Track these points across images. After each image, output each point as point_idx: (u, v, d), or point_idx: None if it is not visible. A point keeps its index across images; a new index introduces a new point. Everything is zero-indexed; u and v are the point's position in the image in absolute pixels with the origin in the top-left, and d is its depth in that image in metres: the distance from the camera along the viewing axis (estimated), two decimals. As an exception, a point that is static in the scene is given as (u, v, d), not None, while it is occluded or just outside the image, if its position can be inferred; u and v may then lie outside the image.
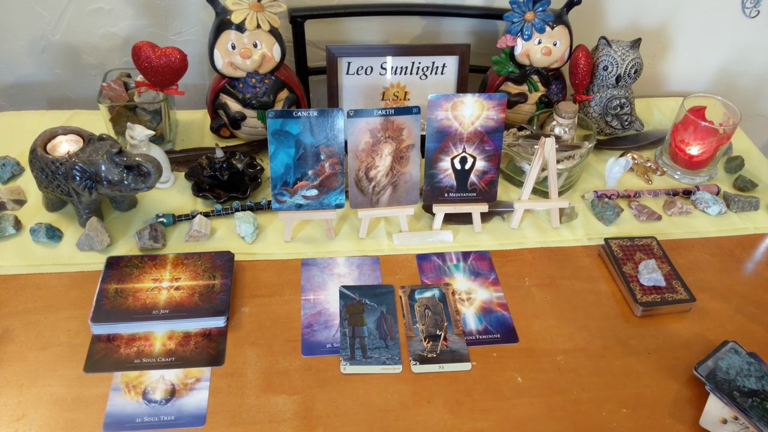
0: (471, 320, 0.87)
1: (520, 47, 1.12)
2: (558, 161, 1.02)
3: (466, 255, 0.97)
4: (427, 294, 0.90)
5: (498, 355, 0.83)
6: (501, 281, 0.93)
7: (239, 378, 0.78)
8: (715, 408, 0.77)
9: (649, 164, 1.14)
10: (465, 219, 1.01)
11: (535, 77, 1.15)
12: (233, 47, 1.02)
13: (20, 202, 0.98)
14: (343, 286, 0.90)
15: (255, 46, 1.02)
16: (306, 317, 0.86)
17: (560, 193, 1.07)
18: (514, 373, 0.81)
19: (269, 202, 1.00)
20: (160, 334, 0.82)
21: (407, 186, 0.96)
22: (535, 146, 0.96)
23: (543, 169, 1.01)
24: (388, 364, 0.81)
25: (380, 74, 1.14)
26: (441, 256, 0.96)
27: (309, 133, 0.90)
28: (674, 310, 0.90)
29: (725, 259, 1.00)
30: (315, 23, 1.17)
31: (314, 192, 0.93)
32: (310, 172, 0.92)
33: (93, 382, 0.77)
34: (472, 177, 0.97)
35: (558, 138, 1.06)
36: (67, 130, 0.92)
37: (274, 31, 1.03)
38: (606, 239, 0.98)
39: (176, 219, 0.97)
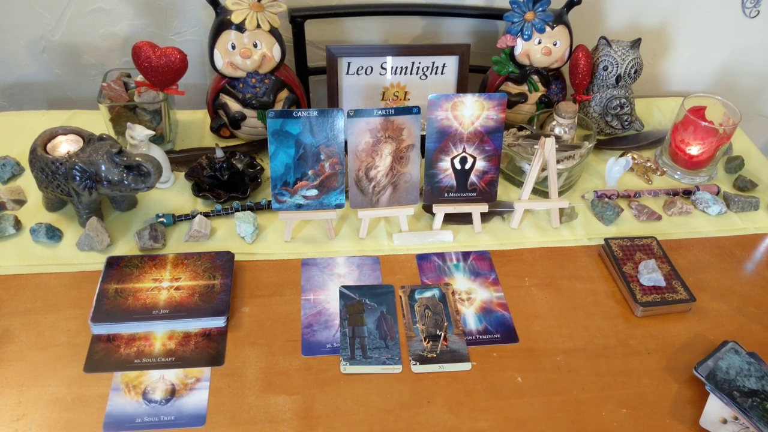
0: (471, 320, 0.87)
1: (520, 47, 1.12)
2: (558, 161, 1.02)
3: (466, 255, 0.97)
4: (427, 294, 0.90)
5: (498, 355, 0.83)
6: (501, 281, 0.93)
7: (239, 378, 0.78)
8: (715, 408, 0.77)
9: (649, 164, 1.14)
10: (465, 219, 1.01)
11: (535, 77, 1.15)
12: (233, 47, 1.02)
13: (20, 202, 0.98)
14: (343, 286, 0.90)
15: (255, 46, 1.02)
16: (306, 317, 0.86)
17: (560, 193, 1.07)
18: (514, 373, 0.81)
19: (269, 202, 1.00)
20: (160, 334, 0.82)
21: (407, 186, 0.96)
22: (535, 146, 0.96)
23: (543, 169, 1.01)
24: (388, 364, 0.81)
25: (380, 74, 1.14)
26: (441, 256, 0.96)
27: (309, 133, 0.90)
28: (674, 310, 0.90)
29: (725, 259, 1.00)
30: (315, 23, 1.17)
31: (314, 192, 0.93)
32: (310, 172, 0.92)
33: (93, 382, 0.77)
34: (472, 177, 0.97)
35: (558, 138, 1.06)
36: (67, 130, 0.92)
37: (274, 31, 1.03)
38: (606, 239, 0.98)
39: (176, 219, 0.97)
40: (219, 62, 1.04)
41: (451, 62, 1.15)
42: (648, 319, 0.90)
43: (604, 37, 1.15)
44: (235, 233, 0.96)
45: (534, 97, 1.17)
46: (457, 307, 0.89)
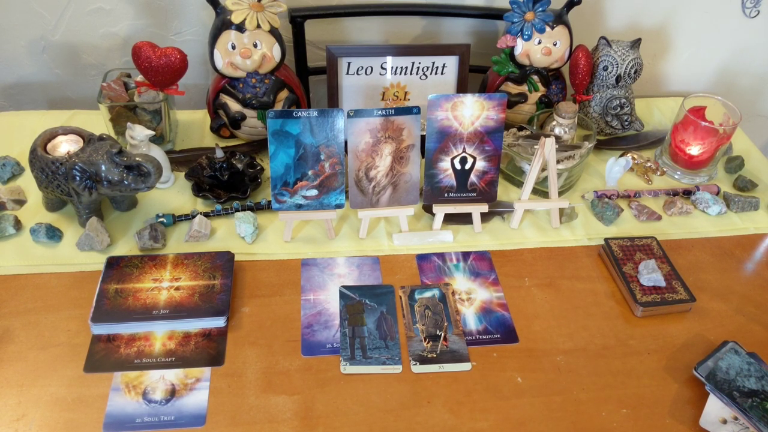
0: (471, 320, 0.87)
1: (520, 47, 1.12)
2: (558, 161, 1.02)
3: (466, 255, 0.97)
4: (427, 294, 0.90)
5: (498, 355, 0.83)
6: (501, 281, 0.93)
7: (239, 378, 0.78)
8: (715, 408, 0.77)
9: (649, 164, 1.14)
10: (465, 219, 1.01)
11: (535, 77, 1.15)
12: (233, 47, 1.02)
13: (20, 202, 0.98)
14: (343, 286, 0.90)
15: (255, 46, 1.02)
16: (306, 317, 0.86)
17: (560, 193, 1.07)
18: (514, 373, 0.81)
19: (269, 202, 1.00)
20: (160, 334, 0.82)
21: (407, 186, 0.96)
22: (535, 146, 0.96)
23: (543, 169, 1.01)
24: (388, 364, 0.81)
25: (380, 74, 1.14)
26: (441, 256, 0.96)
27: (309, 133, 0.90)
28: (674, 310, 0.90)
29: (725, 259, 1.00)
30: (315, 23, 1.17)
31: (314, 192, 0.93)
32: (310, 172, 0.92)
33: (93, 382, 0.77)
34: (472, 177, 0.97)
35: (558, 138, 1.06)
36: (67, 130, 0.92)
37: (274, 31, 1.03)
38: (606, 239, 0.98)
39: (176, 219, 0.97)
40: (219, 62, 1.04)
41: (451, 62, 1.15)
42: (648, 319, 0.90)
43: (604, 37, 1.15)
44: (235, 233, 0.96)
45: (534, 97, 1.17)
46: (457, 307, 0.89)
